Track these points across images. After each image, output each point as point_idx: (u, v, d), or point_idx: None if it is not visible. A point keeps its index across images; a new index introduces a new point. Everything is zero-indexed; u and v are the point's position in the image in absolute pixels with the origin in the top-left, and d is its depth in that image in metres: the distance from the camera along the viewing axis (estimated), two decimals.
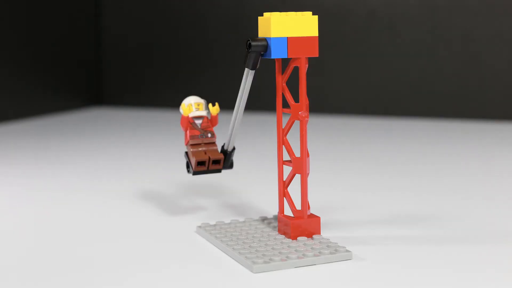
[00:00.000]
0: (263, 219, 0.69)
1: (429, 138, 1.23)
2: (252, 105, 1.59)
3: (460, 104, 1.42)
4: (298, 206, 0.66)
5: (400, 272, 0.56)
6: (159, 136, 1.30)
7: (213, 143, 0.69)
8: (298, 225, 0.63)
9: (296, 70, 0.64)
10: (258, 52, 0.62)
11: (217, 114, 0.70)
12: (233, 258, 0.60)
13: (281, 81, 0.64)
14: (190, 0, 1.64)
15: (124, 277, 0.56)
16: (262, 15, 0.63)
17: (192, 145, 0.68)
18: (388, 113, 1.48)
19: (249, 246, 0.61)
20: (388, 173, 0.95)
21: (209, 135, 0.69)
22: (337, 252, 0.59)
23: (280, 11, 0.70)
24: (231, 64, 1.60)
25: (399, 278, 0.55)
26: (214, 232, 0.65)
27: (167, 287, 0.54)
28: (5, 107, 1.47)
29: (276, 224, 0.67)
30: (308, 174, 0.63)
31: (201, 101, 0.70)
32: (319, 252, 0.59)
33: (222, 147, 0.70)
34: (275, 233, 0.65)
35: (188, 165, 0.69)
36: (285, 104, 0.65)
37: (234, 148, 0.70)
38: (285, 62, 0.66)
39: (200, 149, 0.68)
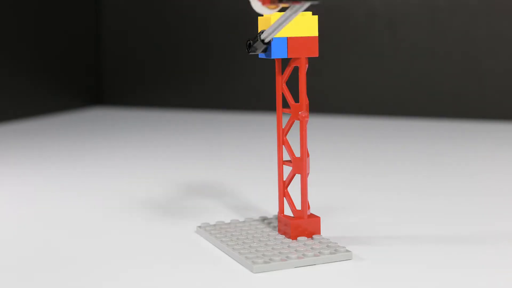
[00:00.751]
0: (263, 219, 0.69)
1: (429, 138, 1.22)
2: (252, 105, 1.60)
3: (460, 104, 1.42)
4: (298, 206, 0.66)
5: (400, 272, 0.56)
6: (159, 136, 1.30)
7: None
8: (298, 225, 0.63)
9: (296, 70, 0.64)
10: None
11: None
12: (233, 258, 0.60)
13: (281, 81, 0.64)
14: (190, 0, 1.64)
15: (124, 277, 0.56)
16: (262, 15, 0.63)
17: None
18: (388, 113, 1.48)
19: (249, 246, 0.61)
20: (388, 173, 0.95)
21: None
22: (337, 252, 0.59)
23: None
24: (231, 64, 1.60)
25: (399, 278, 0.55)
26: (214, 232, 0.65)
27: (167, 287, 0.54)
28: (5, 107, 1.47)
29: (276, 224, 0.67)
30: (308, 174, 0.63)
31: None
32: (319, 252, 0.59)
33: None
34: (275, 233, 0.65)
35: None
36: (285, 104, 0.65)
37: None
38: (285, 62, 0.66)
39: None
